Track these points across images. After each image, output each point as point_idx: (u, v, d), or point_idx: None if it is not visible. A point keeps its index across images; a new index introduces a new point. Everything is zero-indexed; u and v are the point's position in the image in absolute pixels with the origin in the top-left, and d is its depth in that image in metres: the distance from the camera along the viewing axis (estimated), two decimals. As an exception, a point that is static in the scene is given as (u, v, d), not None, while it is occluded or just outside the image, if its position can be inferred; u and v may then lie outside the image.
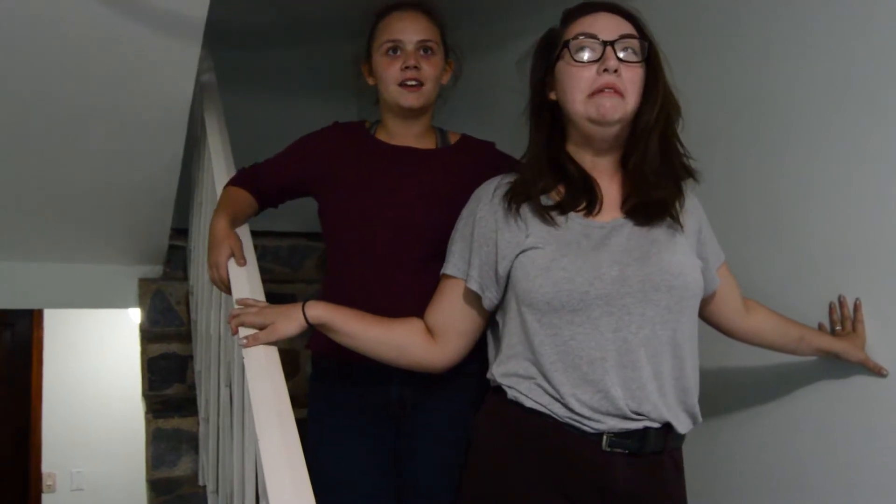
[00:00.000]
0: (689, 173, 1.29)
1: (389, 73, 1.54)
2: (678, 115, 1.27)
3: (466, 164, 1.58)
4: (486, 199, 1.30)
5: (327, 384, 1.60)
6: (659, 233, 1.25)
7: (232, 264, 1.50)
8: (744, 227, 1.68)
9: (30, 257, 2.88)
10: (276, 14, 3.29)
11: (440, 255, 1.40)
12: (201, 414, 2.31)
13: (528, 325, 1.23)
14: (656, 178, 1.25)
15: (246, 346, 1.31)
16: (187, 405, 2.50)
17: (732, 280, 1.43)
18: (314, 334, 1.50)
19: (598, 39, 1.21)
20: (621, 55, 1.21)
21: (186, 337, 2.74)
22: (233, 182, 1.69)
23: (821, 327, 1.52)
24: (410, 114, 1.58)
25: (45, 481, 4.67)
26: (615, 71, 1.20)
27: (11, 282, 2.89)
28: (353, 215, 1.57)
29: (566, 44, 1.24)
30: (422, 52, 1.54)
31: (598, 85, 1.21)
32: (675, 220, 1.27)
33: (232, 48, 3.18)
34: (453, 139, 1.66)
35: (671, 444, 1.25)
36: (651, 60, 1.25)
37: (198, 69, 2.23)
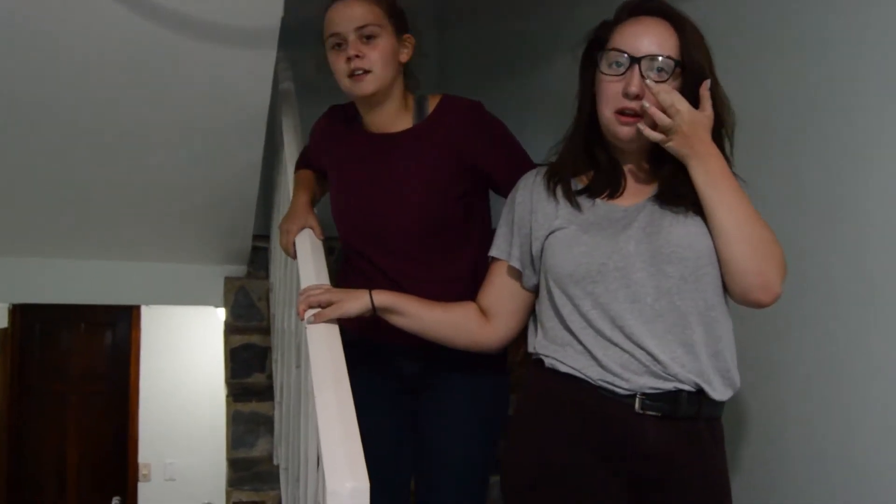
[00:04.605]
0: None
1: (338, 67, 1.53)
2: (728, 122, 1.27)
3: (445, 129, 1.57)
4: (525, 186, 1.39)
5: (350, 358, 1.68)
6: (677, 211, 1.27)
7: (301, 243, 1.61)
8: (804, 220, 1.62)
9: (127, 257, 3.11)
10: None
11: (441, 231, 1.45)
12: (276, 398, 2.45)
13: (555, 298, 1.31)
14: (685, 186, 1.25)
15: (313, 322, 1.41)
16: (266, 392, 2.66)
17: None
18: None
19: (627, 55, 1.23)
20: (651, 72, 1.22)
21: (266, 330, 2.91)
22: (300, 164, 1.85)
23: None
24: (369, 101, 1.57)
25: (141, 471, 4.99)
26: (636, 96, 1.21)
27: (112, 279, 3.12)
28: (345, 209, 1.64)
29: (602, 53, 1.27)
30: (364, 40, 1.51)
31: (620, 106, 1.24)
32: (697, 206, 1.26)
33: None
34: (433, 105, 1.61)
35: (706, 411, 1.26)
36: (688, 73, 1.23)
37: (277, 78, 2.39)
